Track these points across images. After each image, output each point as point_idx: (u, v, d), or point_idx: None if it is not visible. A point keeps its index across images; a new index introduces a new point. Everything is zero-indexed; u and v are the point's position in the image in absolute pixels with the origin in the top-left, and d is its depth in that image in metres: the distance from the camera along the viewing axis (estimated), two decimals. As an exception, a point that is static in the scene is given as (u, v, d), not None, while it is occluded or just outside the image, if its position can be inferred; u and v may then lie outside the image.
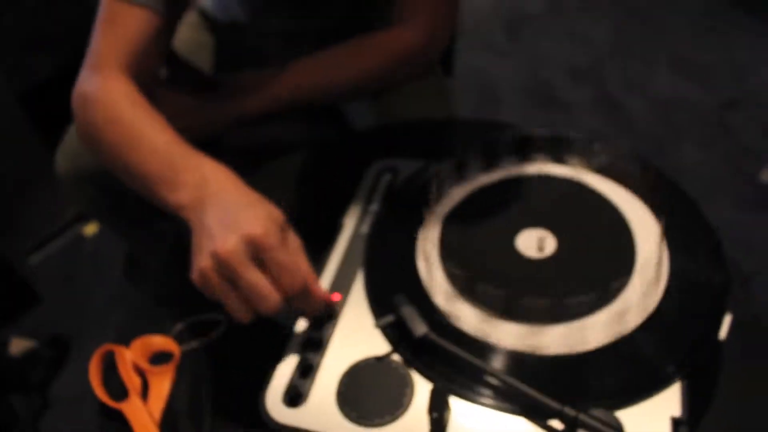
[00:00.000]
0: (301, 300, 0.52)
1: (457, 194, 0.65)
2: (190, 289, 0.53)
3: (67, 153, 0.99)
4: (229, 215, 0.52)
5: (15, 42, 1.93)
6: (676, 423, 0.46)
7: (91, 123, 0.68)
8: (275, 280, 0.51)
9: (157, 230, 1.11)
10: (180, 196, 0.57)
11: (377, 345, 0.53)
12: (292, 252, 0.52)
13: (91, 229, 1.74)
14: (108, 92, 0.68)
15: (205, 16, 1.08)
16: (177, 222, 1.11)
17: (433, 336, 0.51)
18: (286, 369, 0.52)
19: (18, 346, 1.48)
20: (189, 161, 0.59)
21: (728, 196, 1.57)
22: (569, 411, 0.45)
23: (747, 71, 1.94)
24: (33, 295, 1.58)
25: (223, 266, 0.50)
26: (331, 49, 0.86)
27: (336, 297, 0.57)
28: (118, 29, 0.72)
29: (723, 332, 0.55)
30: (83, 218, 1.75)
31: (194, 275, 0.52)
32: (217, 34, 1.08)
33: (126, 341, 0.62)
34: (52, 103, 1.57)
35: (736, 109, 1.80)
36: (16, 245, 1.63)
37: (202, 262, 0.51)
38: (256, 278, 0.50)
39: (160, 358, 0.62)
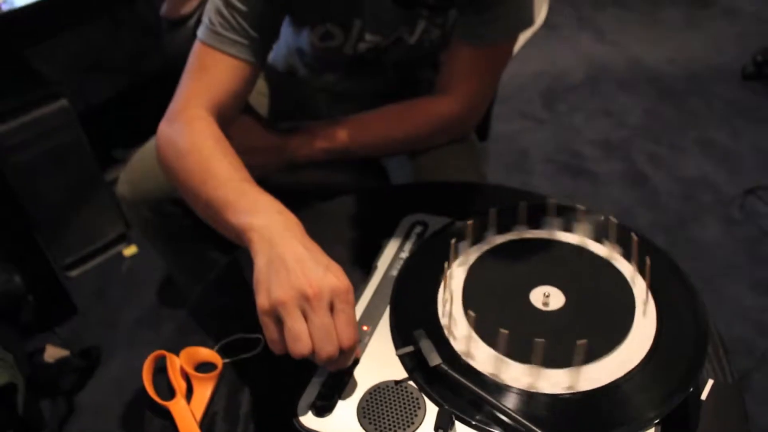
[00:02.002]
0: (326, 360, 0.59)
1: (478, 250, 0.74)
2: (232, 311, 0.61)
3: (130, 177, 1.11)
4: (295, 264, 0.60)
5: (79, 67, 2.09)
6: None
7: (173, 152, 0.78)
8: (312, 335, 0.58)
9: (200, 256, 1.21)
10: (248, 220, 0.66)
11: (396, 371, 0.61)
12: (342, 319, 0.59)
13: (130, 250, 1.86)
14: (193, 127, 0.79)
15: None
16: (223, 252, 1.21)
17: (445, 367, 0.59)
18: (317, 383, 0.61)
19: (52, 353, 1.58)
20: (260, 196, 0.69)
21: (745, 278, 1.62)
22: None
23: (772, 159, 2.02)
24: (71, 307, 1.69)
25: (275, 309, 0.59)
26: (379, 110, 0.97)
27: (364, 328, 0.66)
28: (208, 74, 0.83)
29: (704, 394, 0.62)
30: (125, 239, 1.87)
31: (258, 307, 0.60)
32: (274, 82, 1.20)
33: (175, 350, 0.71)
34: (106, 125, 1.71)
35: (759, 196, 1.86)
36: (60, 259, 1.74)
37: (259, 298, 0.60)
38: (298, 327, 0.58)
39: (204, 367, 0.71)
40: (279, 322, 0.59)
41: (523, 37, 2.84)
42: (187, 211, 1.08)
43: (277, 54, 1.13)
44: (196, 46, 0.86)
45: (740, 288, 1.60)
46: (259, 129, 0.98)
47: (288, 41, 1.06)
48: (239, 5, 0.83)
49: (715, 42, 2.66)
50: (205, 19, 0.86)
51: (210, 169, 0.74)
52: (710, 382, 0.64)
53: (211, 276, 0.84)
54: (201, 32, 0.86)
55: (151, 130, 1.44)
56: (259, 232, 0.64)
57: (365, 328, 0.66)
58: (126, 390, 1.51)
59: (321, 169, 1.08)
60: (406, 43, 1.00)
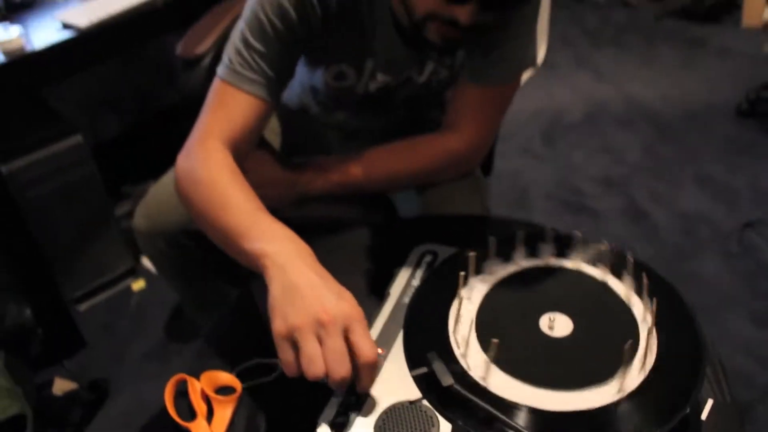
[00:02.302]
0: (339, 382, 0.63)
1: (486, 278, 0.77)
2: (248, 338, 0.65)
3: (146, 211, 1.15)
4: (309, 291, 0.64)
5: (90, 104, 2.15)
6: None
7: (191, 182, 0.83)
8: (326, 359, 0.62)
9: (211, 288, 1.24)
10: (262, 246, 0.70)
11: (411, 391, 0.64)
12: (359, 341, 0.62)
13: (138, 284, 1.89)
14: (210, 160, 0.83)
15: None
16: (233, 285, 1.24)
17: (458, 387, 0.62)
18: (335, 403, 0.64)
19: (61, 386, 1.60)
20: (273, 224, 0.73)
21: (745, 311, 1.65)
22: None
23: (769, 195, 2.06)
24: (79, 340, 1.71)
25: (291, 333, 0.63)
26: (389, 145, 1.01)
27: (380, 351, 0.69)
28: (226, 110, 0.88)
29: (704, 414, 0.65)
30: (133, 273, 1.90)
31: (274, 331, 0.64)
32: (286, 120, 1.24)
33: (196, 374, 0.74)
34: (116, 161, 1.75)
35: (757, 230, 1.90)
36: (69, 292, 1.77)
37: (275, 323, 0.64)
38: (313, 351, 0.62)
39: (223, 390, 0.73)
40: (294, 345, 0.63)
41: (524, 76, 2.91)
42: (200, 244, 1.12)
43: (290, 92, 1.18)
44: (216, 83, 0.91)
45: (741, 321, 1.62)
46: (274, 163, 1.02)
47: (302, 80, 1.10)
48: (258, 46, 0.88)
49: (709, 80, 2.73)
50: (224, 58, 0.91)
51: (226, 198, 0.78)
52: (710, 402, 0.66)
53: (228, 305, 0.88)
54: (221, 70, 0.91)
55: (160, 166, 1.49)
56: (273, 258, 0.68)
57: (380, 351, 0.69)
58: (134, 423, 1.52)
59: (329, 204, 1.12)
60: (416, 82, 1.05)
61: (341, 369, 0.61)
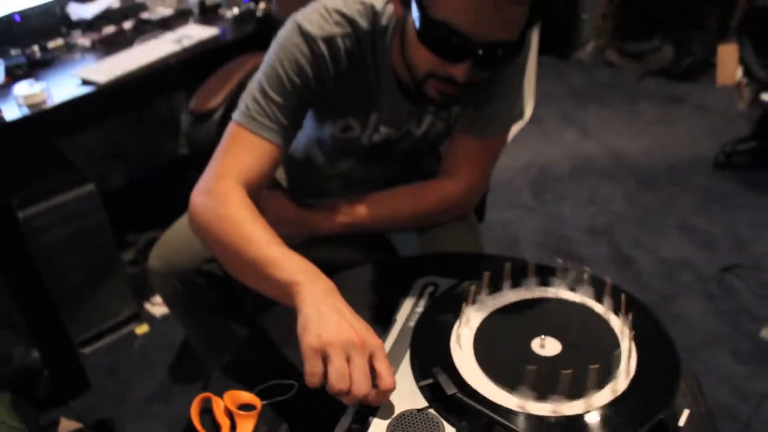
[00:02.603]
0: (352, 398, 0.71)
1: (483, 305, 0.85)
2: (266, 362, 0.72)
3: (161, 252, 1.22)
4: (341, 317, 0.73)
5: (98, 155, 2.25)
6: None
7: (213, 218, 0.90)
8: (352, 376, 0.70)
9: (219, 325, 1.30)
10: (294, 277, 0.78)
11: (418, 401, 0.72)
12: (383, 368, 0.71)
13: (142, 329, 1.94)
14: (230, 198, 0.91)
15: None
16: (240, 323, 1.30)
17: (460, 395, 0.69)
18: (351, 412, 0.71)
19: (66, 427, 1.63)
20: (302, 258, 0.81)
21: (727, 348, 1.73)
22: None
23: (746, 241, 2.17)
24: (84, 382, 1.75)
25: (323, 348, 0.71)
26: (393, 189, 1.11)
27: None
28: (242, 152, 0.96)
29: (681, 421, 0.73)
30: (137, 318, 1.96)
31: (308, 345, 0.72)
32: (292, 169, 1.33)
33: (219, 393, 0.81)
34: (120, 210, 1.82)
35: (736, 273, 2.00)
36: (74, 336, 1.82)
37: (309, 337, 0.72)
38: (343, 367, 0.70)
39: (244, 408, 0.80)
40: (322, 360, 0.71)
41: (512, 131, 3.06)
42: (211, 283, 1.19)
43: (296, 144, 1.27)
44: (232, 127, 0.99)
45: (722, 358, 1.70)
46: (288, 203, 1.11)
47: (309, 133, 1.20)
48: (275, 97, 0.97)
49: (688, 135, 2.87)
50: (241, 105, 1.00)
51: (250, 233, 0.86)
52: (686, 411, 0.74)
53: (238, 339, 0.94)
54: (237, 115, 0.99)
55: (163, 215, 1.56)
56: (306, 286, 0.77)
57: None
58: (138, 462, 1.56)
59: (334, 247, 1.20)
60: (414, 134, 1.15)
61: (364, 388, 0.70)
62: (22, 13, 1.74)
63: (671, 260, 2.10)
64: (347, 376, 0.70)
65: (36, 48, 1.75)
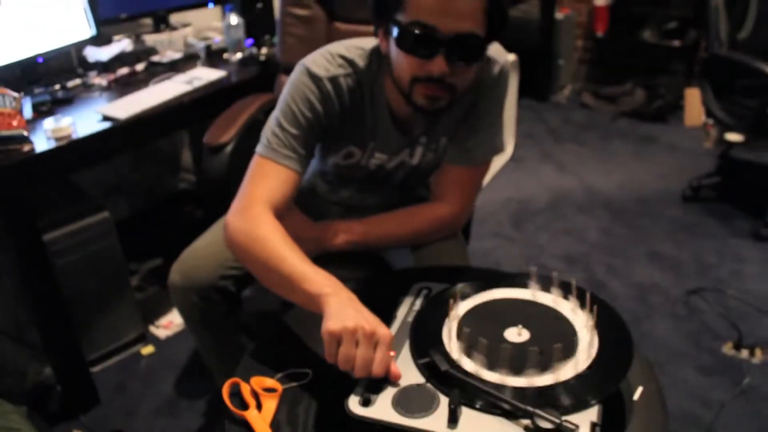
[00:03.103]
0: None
1: (468, 304, 1.00)
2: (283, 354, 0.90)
3: (181, 268, 1.34)
4: (359, 311, 0.90)
5: (103, 188, 2.38)
6: (593, 425, 0.77)
7: (245, 239, 1.05)
8: (356, 360, 0.86)
9: (231, 338, 1.43)
10: (323, 290, 0.94)
11: (417, 377, 0.86)
12: (379, 356, 0.86)
13: (148, 349, 2.06)
14: (261, 221, 1.06)
15: None
16: (249, 337, 1.42)
17: (452, 371, 0.84)
18: (363, 384, 0.86)
19: (78, 439, 1.74)
20: (329, 274, 0.97)
21: (691, 363, 1.88)
22: (535, 412, 0.77)
23: (711, 266, 2.34)
24: (95, 397, 1.86)
25: (340, 333, 0.86)
26: (392, 212, 1.28)
27: (392, 353, 0.90)
28: (268, 180, 1.12)
29: (636, 396, 0.87)
30: (143, 339, 2.07)
31: (327, 329, 0.87)
32: (297, 197, 1.48)
33: (245, 379, 0.94)
34: (125, 239, 1.95)
35: (700, 296, 2.16)
36: (86, 354, 1.92)
37: (333, 326, 0.87)
38: (349, 352, 0.86)
39: (267, 391, 0.93)
40: (337, 344, 0.86)
41: (494, 168, 3.24)
42: (226, 299, 1.33)
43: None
44: (257, 159, 1.15)
45: (687, 372, 1.85)
46: (305, 223, 1.26)
47: (313, 167, 1.36)
48: (291, 130, 1.14)
49: (658, 171, 3.07)
50: (263, 140, 1.16)
51: (283, 252, 1.01)
52: (640, 388, 0.89)
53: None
54: (261, 149, 1.15)
55: (165, 245, 1.66)
56: (332, 296, 0.93)
57: (392, 353, 0.90)
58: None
59: (337, 265, 1.34)
60: (409, 164, 1.32)
61: (364, 371, 0.86)
62: (45, 55, 1.89)
63: (642, 284, 2.26)
64: (352, 360, 0.85)
65: (57, 87, 1.90)
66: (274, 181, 1.12)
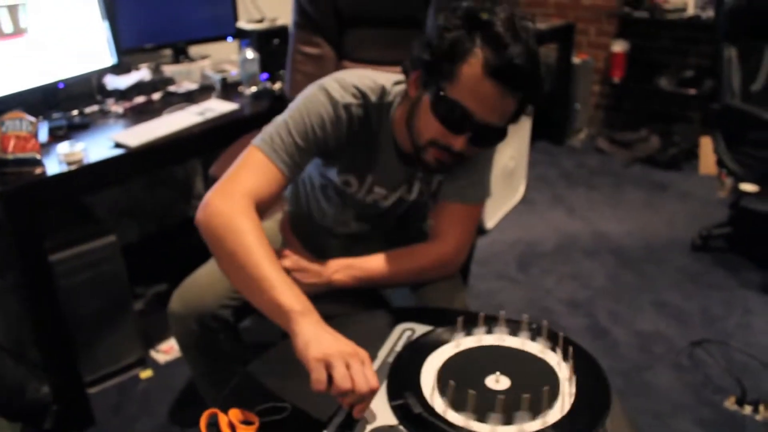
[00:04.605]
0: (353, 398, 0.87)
1: (449, 348, 1.00)
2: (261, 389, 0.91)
3: (181, 295, 1.36)
4: (334, 337, 0.92)
5: (116, 212, 2.42)
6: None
7: (222, 227, 1.04)
8: (353, 378, 0.86)
9: (226, 366, 1.44)
10: (294, 306, 0.94)
11: (390, 418, 0.86)
12: (369, 373, 0.88)
13: (146, 373, 2.07)
14: (235, 211, 1.06)
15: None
16: (244, 365, 1.43)
17: (425, 414, 0.84)
18: (335, 424, 0.86)
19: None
20: (295, 286, 0.98)
21: (693, 416, 1.84)
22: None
23: (717, 318, 2.31)
24: (90, 418, 1.87)
25: (325, 359, 0.87)
26: (393, 251, 1.29)
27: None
28: (256, 173, 1.13)
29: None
30: (142, 363, 2.09)
31: (311, 357, 0.88)
32: (295, 224, 1.49)
33: (224, 410, 0.95)
34: (132, 263, 1.98)
35: (705, 348, 2.13)
36: (84, 375, 1.94)
37: (312, 351, 0.88)
38: (344, 372, 0.87)
39: (245, 423, 0.94)
40: (325, 369, 0.87)
41: (504, 209, 3.25)
42: (223, 327, 1.34)
43: (302, 197, 1.46)
44: (253, 150, 1.15)
45: (687, 425, 1.81)
46: (306, 254, 1.28)
47: (314, 181, 1.38)
48: (298, 140, 1.16)
49: (669, 219, 3.06)
50: (265, 136, 1.17)
51: (260, 254, 1.01)
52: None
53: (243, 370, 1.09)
54: (260, 142, 1.16)
55: (171, 271, 1.67)
56: (303, 316, 0.94)
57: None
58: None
59: (337, 301, 1.36)
60: (407, 201, 1.34)
61: (363, 386, 0.86)
62: (66, 81, 1.95)
63: (645, 333, 2.23)
64: (349, 378, 0.86)
65: (75, 112, 1.96)
66: (264, 179, 1.14)
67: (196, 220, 1.09)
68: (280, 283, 0.98)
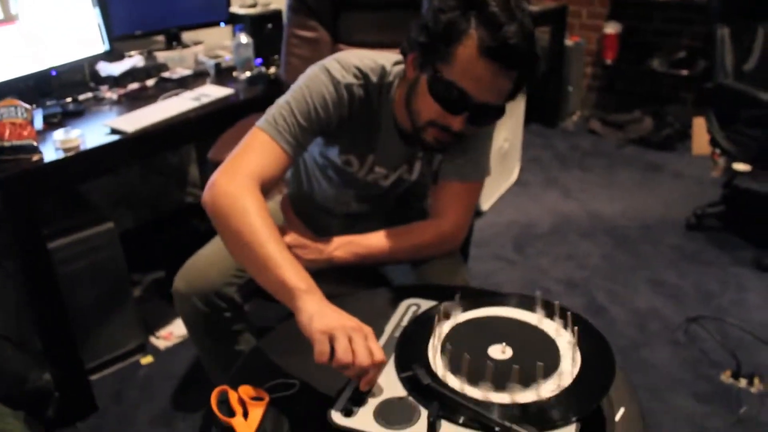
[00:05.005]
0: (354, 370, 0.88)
1: (455, 320, 1.01)
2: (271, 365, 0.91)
3: (185, 275, 1.36)
4: (337, 312, 0.93)
5: (112, 199, 2.42)
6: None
7: (232, 208, 1.05)
8: (354, 351, 0.87)
9: (231, 345, 1.44)
10: (299, 284, 0.96)
11: (400, 391, 0.88)
12: (374, 346, 0.89)
13: (147, 360, 2.08)
14: (241, 191, 1.07)
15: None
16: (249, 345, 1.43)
17: (433, 385, 0.85)
18: (345, 397, 0.87)
19: (73, 446, 1.75)
20: (299, 265, 0.99)
21: (689, 390, 1.87)
22: (512, 427, 0.78)
23: (712, 295, 2.33)
24: (92, 405, 1.87)
25: (329, 331, 0.88)
26: (395, 228, 1.30)
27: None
28: (260, 153, 1.14)
29: (617, 417, 0.88)
30: (143, 350, 2.09)
31: (316, 329, 0.89)
32: (297, 205, 1.49)
33: (234, 387, 0.96)
34: (129, 250, 1.98)
35: (700, 324, 2.16)
36: (85, 362, 1.94)
37: (316, 324, 0.89)
38: (346, 344, 0.88)
39: (254, 399, 0.95)
40: (329, 342, 0.88)
41: (499, 191, 3.26)
42: (230, 306, 1.35)
43: (303, 178, 1.46)
44: (257, 131, 1.16)
45: (685, 399, 1.84)
46: (307, 231, 1.29)
47: (315, 161, 1.38)
48: (301, 120, 1.16)
49: (663, 199, 3.08)
50: (269, 117, 1.17)
51: (265, 233, 1.02)
52: (622, 409, 0.89)
53: (254, 345, 1.09)
54: (264, 123, 1.17)
55: (168, 258, 1.65)
56: (307, 293, 0.95)
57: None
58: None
59: (338, 280, 1.36)
60: (408, 181, 1.35)
61: (365, 359, 0.87)
62: (58, 68, 1.94)
63: (642, 310, 2.26)
64: (350, 351, 0.87)
65: (69, 100, 1.95)
66: (269, 159, 1.15)
67: (203, 200, 1.10)
68: (285, 261, 0.99)
